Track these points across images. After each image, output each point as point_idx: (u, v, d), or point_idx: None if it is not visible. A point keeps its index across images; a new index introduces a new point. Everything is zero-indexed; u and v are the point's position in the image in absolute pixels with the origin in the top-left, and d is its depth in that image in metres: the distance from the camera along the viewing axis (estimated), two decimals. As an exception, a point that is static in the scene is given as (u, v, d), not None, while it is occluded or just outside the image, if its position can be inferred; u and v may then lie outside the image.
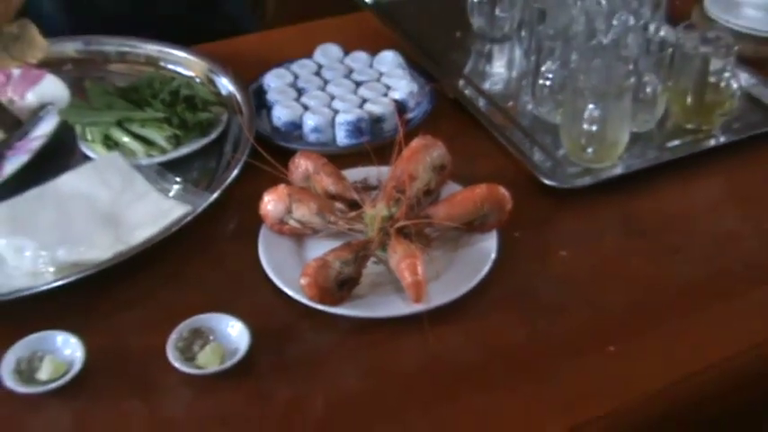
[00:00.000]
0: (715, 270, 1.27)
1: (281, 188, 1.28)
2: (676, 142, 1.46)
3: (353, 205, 1.29)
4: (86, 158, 1.42)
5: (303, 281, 1.16)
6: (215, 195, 1.33)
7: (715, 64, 1.40)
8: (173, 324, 1.12)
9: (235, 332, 1.14)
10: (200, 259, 1.28)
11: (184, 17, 1.93)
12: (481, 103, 1.60)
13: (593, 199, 1.37)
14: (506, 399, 1.09)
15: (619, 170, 1.38)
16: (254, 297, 1.23)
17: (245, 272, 1.26)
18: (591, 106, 1.32)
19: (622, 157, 1.39)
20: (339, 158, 1.38)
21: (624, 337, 1.14)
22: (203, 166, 1.47)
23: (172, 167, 1.43)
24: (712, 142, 1.45)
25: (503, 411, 1.08)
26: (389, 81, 1.58)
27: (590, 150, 1.36)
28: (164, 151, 1.46)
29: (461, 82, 1.66)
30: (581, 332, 1.16)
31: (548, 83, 1.47)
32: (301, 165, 1.33)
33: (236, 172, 1.37)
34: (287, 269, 1.22)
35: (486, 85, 1.65)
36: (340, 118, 1.47)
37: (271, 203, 1.28)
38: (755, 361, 1.16)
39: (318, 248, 1.23)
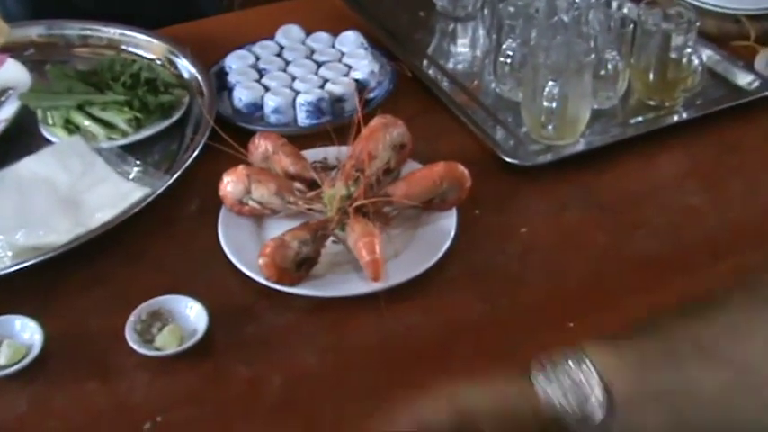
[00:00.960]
0: (676, 245, 1.26)
1: (240, 169, 1.27)
2: (639, 119, 1.45)
3: (313, 185, 1.27)
4: (48, 143, 1.41)
5: (261, 261, 1.15)
6: (174, 177, 1.32)
7: (676, 40, 1.39)
8: (132, 306, 1.11)
9: (193, 313, 1.13)
10: (161, 241, 1.27)
11: (147, 2, 1.90)
12: (444, 82, 1.59)
13: (554, 176, 1.36)
14: (465, 376, 1.07)
15: (580, 147, 1.38)
16: (213, 278, 1.22)
17: (205, 253, 1.25)
18: (551, 83, 1.32)
19: (584, 135, 1.39)
20: (300, 139, 1.37)
21: (584, 313, 1.12)
22: (165, 149, 1.45)
23: (133, 150, 1.42)
24: (675, 118, 1.44)
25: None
26: (351, 61, 1.56)
27: (550, 128, 1.36)
28: (125, 134, 1.44)
29: (425, 62, 1.65)
30: (541, 309, 1.15)
31: (508, 61, 1.47)
32: (261, 145, 1.32)
33: (195, 153, 1.36)
34: (246, 250, 1.21)
35: (450, 65, 1.64)
36: (300, 98, 1.46)
37: (230, 184, 1.27)
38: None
39: (278, 229, 1.21)
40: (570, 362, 0.78)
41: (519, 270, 1.22)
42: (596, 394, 0.74)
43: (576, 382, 0.76)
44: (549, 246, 1.25)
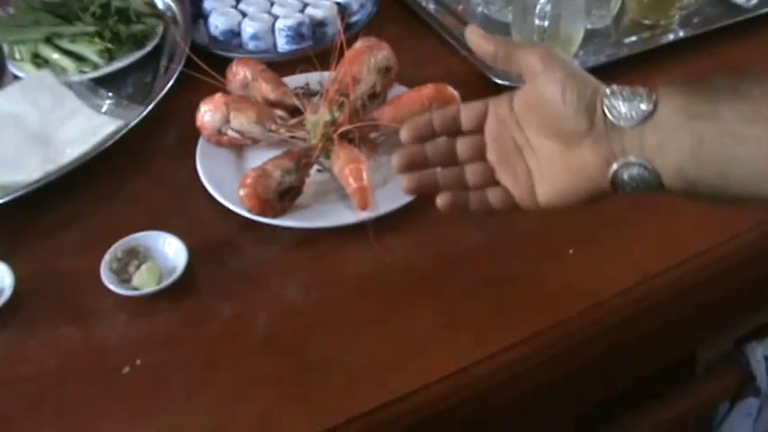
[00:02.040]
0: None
1: (218, 97, 1.20)
2: (633, 38, 1.40)
3: (295, 112, 1.21)
4: (16, 78, 1.35)
5: (242, 192, 1.09)
6: (149, 108, 1.24)
7: None
8: (107, 245, 1.06)
9: (172, 250, 1.07)
10: (136, 176, 1.21)
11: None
12: (431, 5, 1.52)
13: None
14: (461, 308, 1.02)
15: None
16: (193, 212, 1.15)
17: (183, 187, 1.18)
18: (542, 1, 1.26)
19: (577, 55, 1.34)
20: (281, 65, 1.32)
21: (584, 239, 1.08)
22: (138, 81, 1.38)
23: (105, 83, 1.36)
24: (671, 37, 1.40)
25: (457, 322, 1.01)
26: None
27: None
28: (96, 67, 1.37)
29: None
30: (539, 236, 1.10)
31: None
32: (239, 72, 1.25)
33: (171, 83, 1.29)
34: (227, 181, 1.15)
35: None
36: (280, 23, 1.39)
37: (207, 114, 1.20)
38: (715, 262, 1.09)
39: (259, 159, 1.15)
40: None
41: None
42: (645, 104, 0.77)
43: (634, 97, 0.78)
44: None
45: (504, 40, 0.86)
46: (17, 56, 1.39)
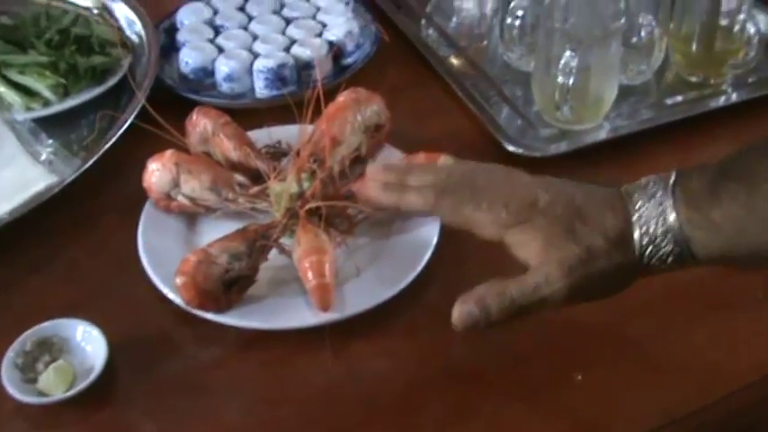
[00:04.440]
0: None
1: (168, 155, 1.03)
2: (677, 99, 1.24)
3: (259, 177, 1.03)
4: (-43, 111, 1.19)
5: (178, 280, 0.91)
6: (88, 164, 1.08)
7: (728, 3, 1.19)
8: (19, 329, 0.90)
9: (91, 345, 0.91)
10: (70, 244, 1.05)
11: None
12: (443, 46, 1.34)
13: (570, 170, 1.06)
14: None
15: (603, 134, 1.17)
16: (126, 295, 0.98)
17: (121, 261, 1.00)
18: (568, 53, 1.10)
19: (608, 118, 1.18)
20: (257, 114, 1.17)
21: (595, 363, 0.90)
22: (93, 123, 1.19)
23: (55, 123, 1.19)
24: (721, 100, 1.24)
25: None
26: (326, 18, 1.32)
27: (567, 108, 1.14)
28: (47, 103, 1.21)
29: (422, 21, 1.40)
30: (542, 354, 0.92)
31: (517, 22, 1.25)
32: (199, 124, 1.08)
33: (119, 133, 1.12)
34: (169, 259, 0.96)
35: (452, 24, 1.39)
36: (259, 64, 1.22)
37: (156, 174, 1.03)
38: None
39: (214, 232, 0.99)
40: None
41: None
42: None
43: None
44: None
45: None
46: (-40, 85, 1.23)
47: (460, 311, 0.78)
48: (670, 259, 0.76)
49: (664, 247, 0.75)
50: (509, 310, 0.77)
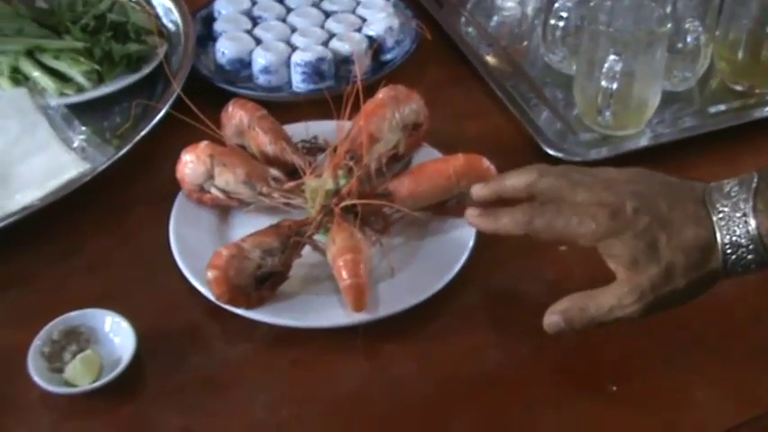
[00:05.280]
0: (758, 287, 0.95)
1: (203, 146, 1.02)
2: (721, 107, 1.23)
3: (295, 172, 1.02)
4: (-10, 94, 1.20)
5: (210, 274, 0.90)
6: (121, 153, 1.07)
7: None
8: (48, 319, 0.90)
9: (120, 336, 0.90)
10: (100, 234, 1.05)
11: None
12: (483, 45, 1.33)
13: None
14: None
15: (645, 140, 1.16)
16: (157, 288, 0.98)
17: (152, 253, 1.00)
18: (612, 57, 1.08)
19: (650, 124, 1.17)
20: (294, 107, 1.16)
21: (629, 376, 0.89)
22: (127, 111, 1.18)
23: (88, 110, 1.18)
24: (766, 110, 1.21)
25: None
26: (366, 12, 1.31)
27: (608, 113, 1.13)
28: (80, 89, 1.20)
29: (462, 19, 1.39)
30: (576, 363, 0.90)
31: (561, 23, 1.23)
32: (234, 116, 1.07)
33: (153, 123, 1.11)
34: (201, 252, 0.95)
35: (493, 24, 1.39)
36: (296, 57, 1.21)
37: (189, 165, 1.02)
38: None
39: (247, 226, 0.98)
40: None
41: (553, 302, 0.91)
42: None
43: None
44: (597, 273, 0.92)
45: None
46: (-5, 68, 1.23)
47: (549, 323, 0.83)
48: (753, 266, 0.78)
49: (747, 255, 0.78)
50: (590, 325, 0.82)
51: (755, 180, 0.79)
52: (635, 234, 0.79)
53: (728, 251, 0.78)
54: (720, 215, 0.78)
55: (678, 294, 0.79)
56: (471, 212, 0.90)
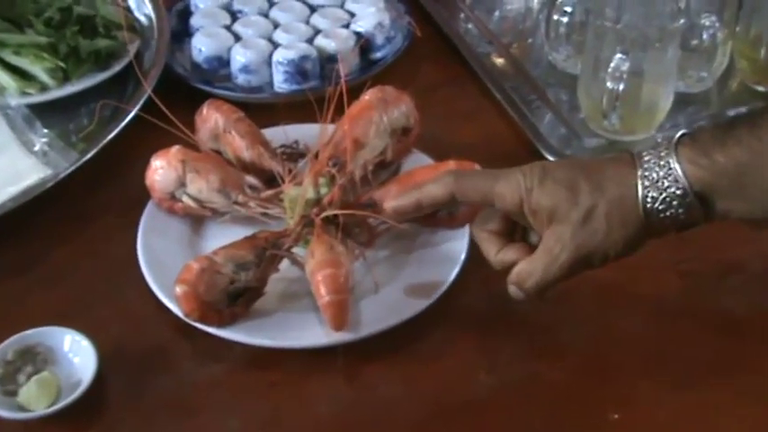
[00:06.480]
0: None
1: (174, 151, 1.05)
2: (741, 110, 1.24)
3: (273, 179, 1.05)
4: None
5: (178, 289, 0.93)
6: (86, 158, 1.10)
7: None
8: (3, 338, 0.92)
9: (80, 355, 0.92)
10: (63, 245, 1.08)
11: None
12: (482, 43, 1.36)
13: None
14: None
15: None
16: (122, 303, 1.01)
17: (118, 265, 1.03)
18: (618, 56, 1.11)
19: (662, 129, 1.18)
20: (275, 110, 1.20)
21: (634, 402, 0.89)
22: (94, 112, 1.20)
23: (51, 111, 1.22)
24: None
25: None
26: (355, 7, 1.34)
27: (615, 117, 1.15)
28: (44, 88, 1.23)
29: (461, 15, 1.41)
30: (574, 387, 0.92)
31: (565, 19, 1.25)
32: (209, 119, 1.10)
33: (121, 126, 1.15)
34: (170, 265, 0.97)
35: (494, 19, 1.41)
36: (278, 55, 1.24)
37: (160, 171, 1.04)
38: None
39: (220, 238, 1.01)
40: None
41: (551, 322, 0.97)
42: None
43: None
44: (600, 289, 0.98)
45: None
46: (-49, 65, 1.25)
47: (510, 292, 0.86)
48: (680, 211, 0.80)
49: (670, 196, 0.80)
50: (546, 287, 0.85)
51: (682, 131, 0.83)
52: (555, 180, 0.83)
53: (649, 198, 0.81)
54: (645, 166, 0.81)
55: (601, 242, 0.82)
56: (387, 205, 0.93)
